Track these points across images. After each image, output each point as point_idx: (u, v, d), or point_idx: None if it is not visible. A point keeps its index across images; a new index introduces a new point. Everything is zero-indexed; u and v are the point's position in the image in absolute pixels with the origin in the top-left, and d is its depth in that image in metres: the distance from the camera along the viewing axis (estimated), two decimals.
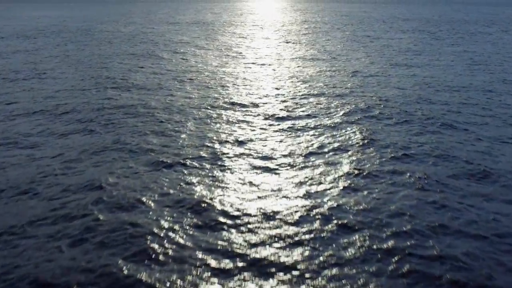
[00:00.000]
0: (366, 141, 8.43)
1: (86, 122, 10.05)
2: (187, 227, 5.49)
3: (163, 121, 9.83)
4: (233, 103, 11.37)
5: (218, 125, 9.56)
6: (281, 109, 10.80)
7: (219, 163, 7.46)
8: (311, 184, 6.66)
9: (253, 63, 18.52)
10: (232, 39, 28.35)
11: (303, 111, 10.69)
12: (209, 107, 11.02)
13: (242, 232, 5.39)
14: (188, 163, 7.45)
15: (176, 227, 5.49)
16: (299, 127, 9.38)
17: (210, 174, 7.03)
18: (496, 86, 14.20)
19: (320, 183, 6.72)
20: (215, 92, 12.79)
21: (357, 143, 8.37)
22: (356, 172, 7.03)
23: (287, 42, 26.74)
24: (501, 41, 27.87)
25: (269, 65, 18.02)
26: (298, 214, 5.79)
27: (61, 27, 39.12)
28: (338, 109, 10.87)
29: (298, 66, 18.03)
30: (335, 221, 5.63)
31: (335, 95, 12.58)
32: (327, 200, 6.15)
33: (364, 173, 6.98)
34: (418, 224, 5.58)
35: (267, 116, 10.21)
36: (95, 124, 9.82)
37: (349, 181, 6.72)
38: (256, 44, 25.70)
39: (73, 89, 13.70)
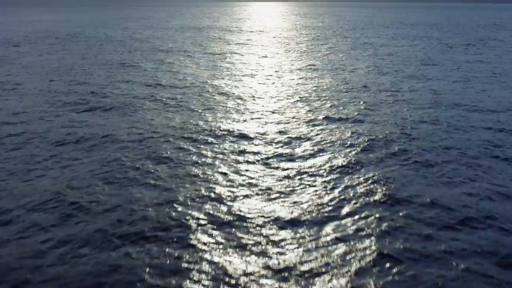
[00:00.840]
0: (395, 199, 6.21)
1: (32, 162, 7.85)
2: None
3: (126, 165, 7.54)
4: (220, 136, 9.08)
5: (197, 172, 7.25)
6: (281, 145, 8.49)
7: (192, 241, 5.22)
8: (327, 280, 4.46)
9: (248, 76, 16.34)
10: (227, 48, 26.20)
11: (309, 148, 8.39)
12: (189, 142, 8.74)
13: None
14: (148, 240, 5.23)
15: None
16: (304, 175, 7.03)
17: (179, 262, 4.82)
18: None
19: (338, 276, 4.52)
20: (200, 118, 10.54)
21: (384, 201, 6.14)
22: (388, 256, 4.81)
23: (287, 51, 24.60)
24: None
25: (267, 79, 15.83)
26: None
27: (50, 32, 37.06)
28: (353, 144, 8.61)
29: (300, 79, 15.88)
30: None
31: (346, 121, 10.38)
32: None
33: (401, 257, 4.77)
34: None
35: (263, 157, 7.86)
36: (42, 167, 7.62)
37: (380, 280, 4.51)
38: (253, 54, 23.54)
39: (35, 111, 11.54)
